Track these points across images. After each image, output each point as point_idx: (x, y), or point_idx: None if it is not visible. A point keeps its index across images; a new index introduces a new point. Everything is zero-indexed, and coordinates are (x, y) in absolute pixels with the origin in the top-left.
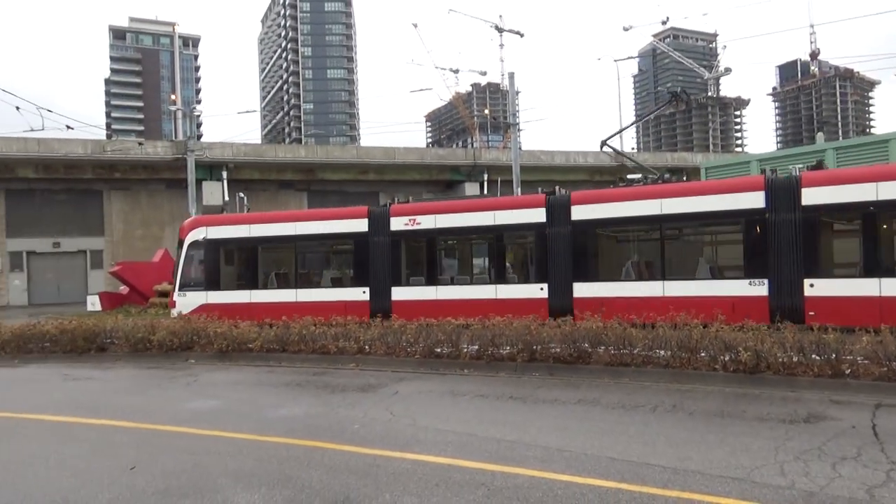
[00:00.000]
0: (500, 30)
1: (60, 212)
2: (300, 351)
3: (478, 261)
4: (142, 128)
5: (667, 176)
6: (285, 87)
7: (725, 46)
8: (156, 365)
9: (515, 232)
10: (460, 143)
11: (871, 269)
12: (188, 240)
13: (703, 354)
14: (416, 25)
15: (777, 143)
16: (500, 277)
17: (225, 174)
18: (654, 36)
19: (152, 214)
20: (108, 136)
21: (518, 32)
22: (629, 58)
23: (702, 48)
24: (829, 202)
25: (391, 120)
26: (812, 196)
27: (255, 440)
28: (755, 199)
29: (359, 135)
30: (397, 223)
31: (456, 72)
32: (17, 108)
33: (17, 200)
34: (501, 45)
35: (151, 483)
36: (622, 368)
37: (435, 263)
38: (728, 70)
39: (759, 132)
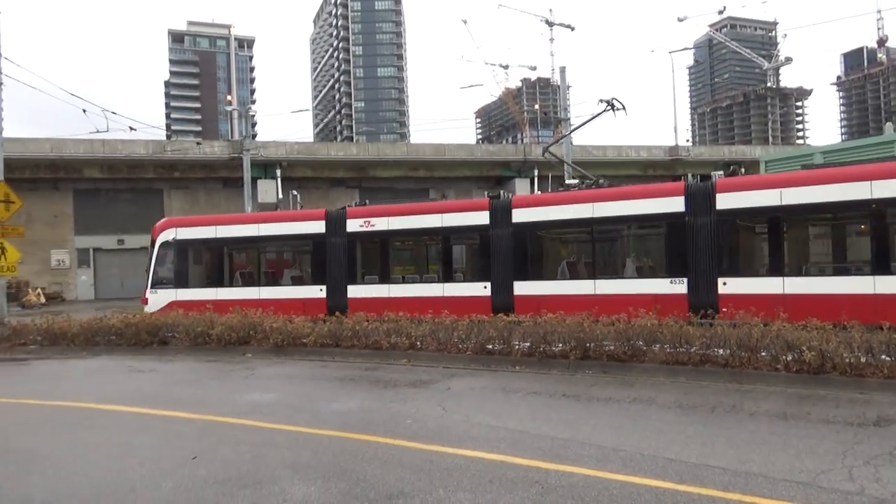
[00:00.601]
0: (550, 24)
1: (124, 210)
2: (353, 346)
3: (431, 261)
4: (199, 128)
5: (601, 181)
6: (337, 85)
7: (786, 35)
8: (214, 358)
9: (461, 234)
10: (510, 139)
11: (776, 268)
12: (159, 240)
13: (763, 354)
14: (465, 21)
15: (842, 134)
16: (447, 277)
17: (279, 172)
18: (711, 26)
19: (210, 213)
20: (168, 137)
21: (569, 26)
22: (684, 49)
23: (760, 37)
24: (740, 207)
25: (441, 117)
26: (725, 201)
27: (310, 433)
28: (676, 204)
29: (409, 132)
30: (353, 225)
31: (506, 67)
32: (84, 111)
33: (85, 199)
34: (552, 40)
35: (212, 473)
36: (678, 367)
37: (388, 263)
38: (788, 59)
39: (823, 123)
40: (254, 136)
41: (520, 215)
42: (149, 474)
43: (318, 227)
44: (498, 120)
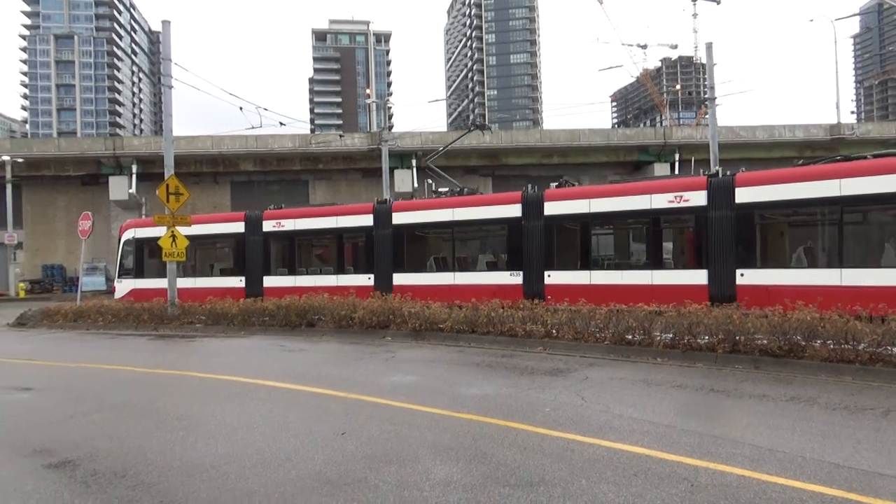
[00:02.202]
0: None
1: (274, 200)
2: (488, 333)
3: (329, 256)
4: (340, 121)
5: (466, 190)
6: (470, 74)
7: None
8: (357, 341)
9: (351, 233)
10: (648, 123)
11: (586, 264)
12: (123, 238)
13: None
14: (601, 2)
15: None
16: (340, 269)
17: (414, 162)
18: None
19: (351, 202)
20: (312, 131)
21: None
22: (851, 15)
23: None
24: (561, 213)
25: (575, 102)
26: (550, 209)
27: (450, 416)
28: (515, 210)
29: (541, 118)
30: (267, 226)
31: (644, 47)
32: (241, 108)
33: (240, 191)
34: (695, 15)
35: (360, 448)
36: (843, 365)
37: (294, 258)
38: None
39: None
40: (390, 128)
41: (398, 218)
42: (302, 446)
43: (239, 227)
44: (635, 103)
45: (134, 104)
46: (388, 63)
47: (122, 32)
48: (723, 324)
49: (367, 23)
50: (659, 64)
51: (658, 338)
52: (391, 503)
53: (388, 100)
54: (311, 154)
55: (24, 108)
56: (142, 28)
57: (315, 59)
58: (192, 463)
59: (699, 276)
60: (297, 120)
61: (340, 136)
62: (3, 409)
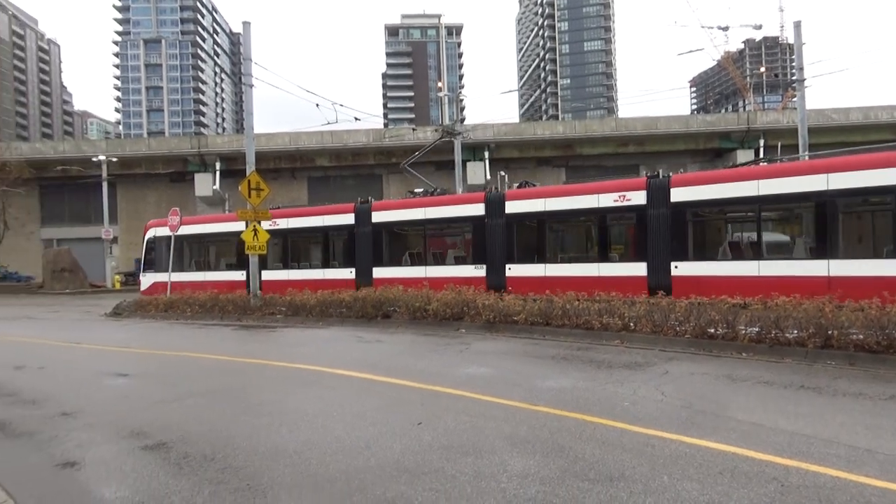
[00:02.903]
0: None
1: (349, 195)
2: (563, 325)
3: (315, 252)
4: (412, 115)
5: (439, 190)
6: (542, 64)
7: None
8: (431, 332)
9: (336, 231)
10: (729, 108)
11: (542, 258)
12: (146, 237)
13: None
14: None
15: None
16: (326, 264)
17: (486, 154)
18: None
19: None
20: (385, 125)
21: None
22: None
23: None
24: (520, 212)
25: (651, 89)
26: (510, 207)
27: (526, 408)
28: (479, 209)
29: (616, 106)
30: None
31: (725, 29)
32: (317, 105)
33: (316, 186)
34: None
35: (436, 439)
36: None
37: (287, 255)
38: None
39: None
40: (462, 120)
41: (377, 217)
42: (380, 435)
43: (239, 226)
44: (716, 87)
45: (216, 104)
46: (460, 55)
47: (205, 35)
48: (814, 317)
49: (439, 16)
50: (742, 46)
51: (742, 332)
52: (469, 494)
53: (459, 92)
54: (384, 148)
55: (117, 110)
56: (223, 30)
57: (387, 55)
58: (276, 448)
59: (639, 269)
60: (370, 115)
61: (413, 129)
62: (104, 394)
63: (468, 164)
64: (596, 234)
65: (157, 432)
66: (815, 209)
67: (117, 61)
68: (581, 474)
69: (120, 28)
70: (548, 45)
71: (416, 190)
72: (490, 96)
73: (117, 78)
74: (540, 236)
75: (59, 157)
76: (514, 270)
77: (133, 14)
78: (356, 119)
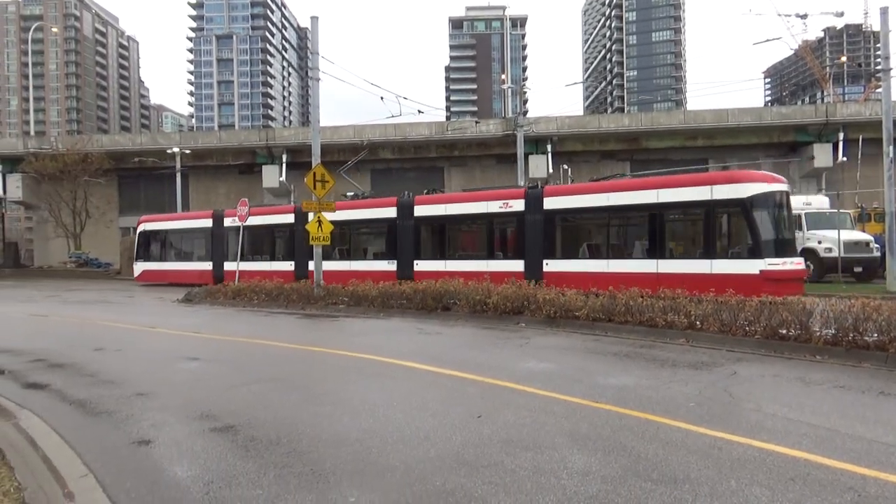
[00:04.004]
0: None
1: (411, 187)
2: (626, 322)
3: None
4: (475, 108)
5: (365, 193)
6: (608, 55)
7: None
8: (491, 326)
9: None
10: (806, 100)
11: (442, 254)
12: (138, 230)
13: None
14: None
15: None
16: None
17: (549, 147)
18: None
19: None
20: (447, 118)
21: None
22: None
23: None
24: (425, 215)
25: (722, 80)
26: (418, 211)
27: (587, 405)
28: (392, 213)
29: (685, 99)
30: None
31: (803, 17)
32: (382, 98)
33: (379, 178)
34: None
35: (496, 432)
36: None
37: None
38: None
39: None
40: (525, 113)
41: (336, 216)
42: (440, 426)
43: (207, 223)
44: (791, 79)
45: (283, 97)
46: (524, 48)
47: (273, 30)
48: None
49: (503, 8)
50: (821, 34)
51: (817, 333)
52: (528, 489)
53: (522, 85)
54: (446, 141)
55: (190, 104)
56: (291, 25)
57: (451, 47)
58: (338, 435)
59: (518, 265)
60: (433, 108)
61: (476, 122)
62: (177, 376)
63: (530, 157)
64: (486, 235)
65: (226, 415)
66: (649, 218)
67: (191, 57)
68: (644, 474)
69: (194, 25)
70: (614, 35)
71: (348, 193)
72: (553, 89)
73: (191, 73)
74: (441, 236)
75: (136, 148)
76: (420, 265)
77: (207, 11)
78: (419, 112)
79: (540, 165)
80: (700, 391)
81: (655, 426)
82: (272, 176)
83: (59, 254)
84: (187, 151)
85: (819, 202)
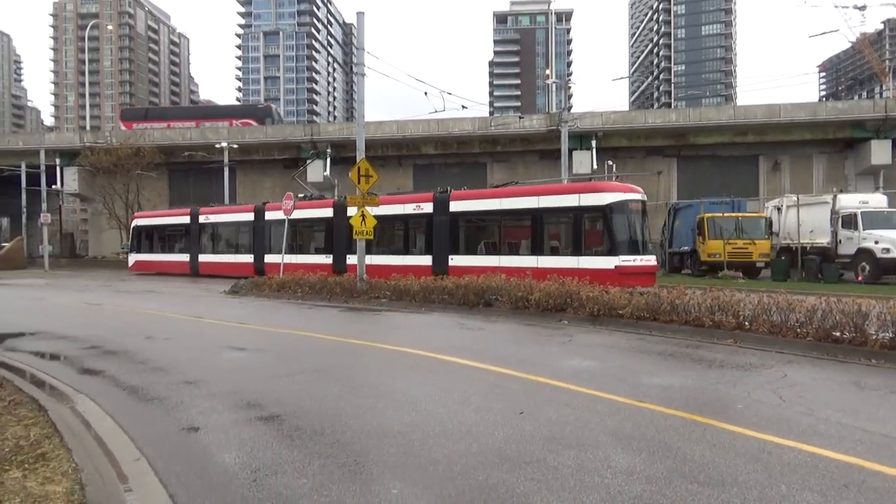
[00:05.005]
0: None
1: (452, 182)
2: (671, 321)
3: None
4: (518, 103)
5: (312, 195)
6: (655, 49)
7: None
8: (533, 322)
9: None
10: (863, 95)
11: (370, 250)
12: (132, 226)
13: None
14: None
15: None
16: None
17: (594, 143)
18: None
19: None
20: (490, 114)
21: None
22: None
23: None
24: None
25: (774, 75)
26: (350, 211)
27: (631, 404)
28: (328, 213)
29: (735, 94)
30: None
31: (862, 8)
32: (426, 93)
33: (421, 173)
34: None
35: (538, 429)
36: None
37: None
38: None
39: None
40: (569, 108)
41: (270, 215)
42: (482, 421)
43: (186, 219)
44: (848, 73)
45: (328, 92)
46: (569, 42)
47: (319, 27)
48: None
49: (548, 2)
50: (881, 26)
51: (873, 337)
52: (571, 486)
53: (567, 80)
54: (489, 136)
55: (237, 99)
56: (336, 21)
57: (495, 42)
58: (381, 428)
59: (428, 260)
60: (477, 103)
61: (520, 117)
62: (224, 365)
63: (574, 153)
64: (403, 234)
65: (272, 405)
66: (531, 220)
67: (239, 53)
68: (690, 476)
69: (242, 21)
70: (662, 29)
71: (301, 195)
72: (598, 84)
73: (238, 69)
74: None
75: (186, 143)
76: (350, 259)
77: (254, 8)
78: (463, 107)
79: (584, 161)
80: (748, 393)
81: (702, 427)
82: (317, 170)
83: (112, 245)
84: (235, 146)
85: (876, 201)
